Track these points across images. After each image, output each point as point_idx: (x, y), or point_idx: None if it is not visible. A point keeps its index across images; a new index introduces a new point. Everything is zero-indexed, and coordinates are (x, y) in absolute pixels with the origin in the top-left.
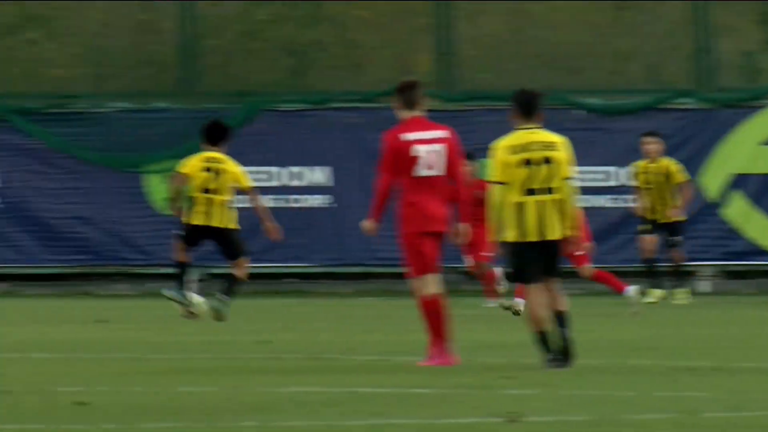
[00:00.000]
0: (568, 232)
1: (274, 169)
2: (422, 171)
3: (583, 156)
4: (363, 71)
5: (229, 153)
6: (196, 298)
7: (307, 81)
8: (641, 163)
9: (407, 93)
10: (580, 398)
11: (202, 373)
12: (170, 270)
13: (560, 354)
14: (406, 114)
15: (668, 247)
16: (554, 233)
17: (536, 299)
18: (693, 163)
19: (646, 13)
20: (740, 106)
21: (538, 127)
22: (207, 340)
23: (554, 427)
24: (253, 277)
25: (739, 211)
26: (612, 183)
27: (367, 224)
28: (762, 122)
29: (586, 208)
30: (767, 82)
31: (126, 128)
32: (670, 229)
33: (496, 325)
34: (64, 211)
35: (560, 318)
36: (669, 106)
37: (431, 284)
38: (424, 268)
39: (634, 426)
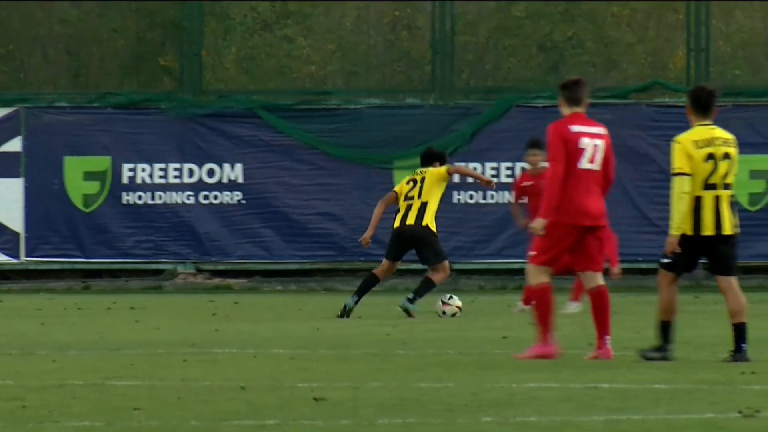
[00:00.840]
0: (737, 229)
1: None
2: (585, 164)
3: None
4: (617, 67)
5: (482, 148)
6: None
7: (561, 78)
8: None
9: (572, 89)
10: None
11: (442, 369)
12: (415, 266)
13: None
14: (568, 110)
15: None
16: (728, 228)
17: (673, 290)
18: None
19: None
20: None
21: (713, 124)
22: (447, 336)
23: None
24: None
25: None
26: None
27: (538, 224)
28: None
29: None
30: None
31: (378, 125)
32: None
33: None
34: (310, 207)
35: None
36: None
37: (544, 274)
38: (549, 261)
39: None
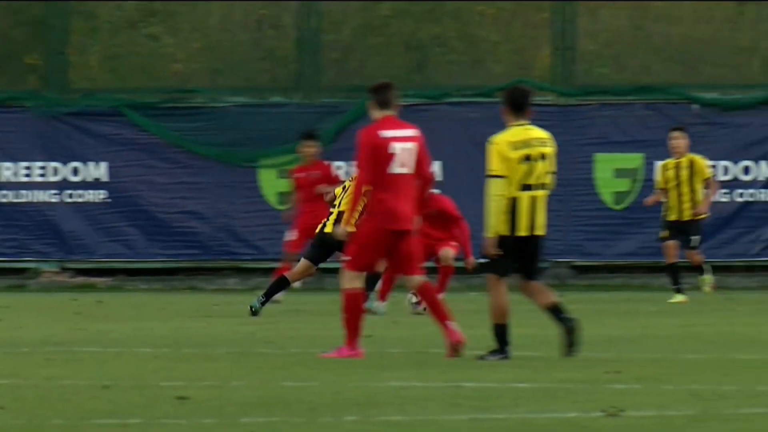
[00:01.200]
0: (544, 230)
1: None
2: (396, 169)
3: (699, 151)
4: (482, 66)
5: (343, 148)
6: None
7: (427, 76)
8: (667, 161)
9: (381, 93)
10: (683, 393)
11: (305, 368)
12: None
13: (568, 343)
14: (378, 113)
15: (688, 248)
16: (541, 229)
17: (503, 292)
18: None
19: (767, 7)
20: None
21: (529, 124)
22: (311, 334)
23: (654, 422)
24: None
25: None
26: (727, 177)
27: (340, 230)
28: None
29: None
30: None
31: (243, 123)
32: (689, 228)
33: (604, 319)
34: (174, 206)
35: (557, 308)
36: None
37: (358, 279)
38: (363, 266)
39: (737, 420)
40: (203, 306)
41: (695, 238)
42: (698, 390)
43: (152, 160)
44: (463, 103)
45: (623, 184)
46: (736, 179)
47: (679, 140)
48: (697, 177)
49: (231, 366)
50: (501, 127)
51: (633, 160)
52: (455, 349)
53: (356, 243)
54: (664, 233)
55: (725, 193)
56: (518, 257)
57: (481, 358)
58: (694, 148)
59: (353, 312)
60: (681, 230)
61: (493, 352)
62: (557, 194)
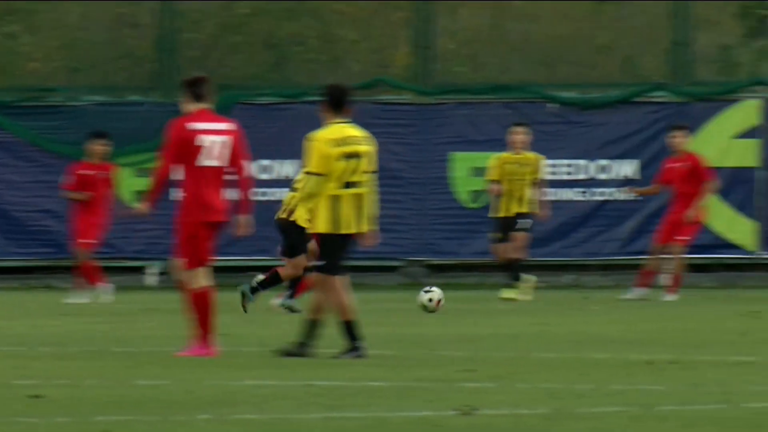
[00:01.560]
0: (369, 226)
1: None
2: (205, 161)
3: (557, 149)
4: (341, 65)
5: None
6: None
7: (285, 75)
8: (504, 155)
9: (195, 86)
10: (537, 391)
11: (160, 366)
12: (134, 264)
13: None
14: (192, 106)
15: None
16: (363, 226)
17: (342, 290)
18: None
19: (626, 7)
20: (714, 100)
21: (348, 122)
22: (165, 334)
23: (508, 420)
24: (216, 270)
25: (707, 205)
26: (582, 176)
27: (141, 208)
28: (735, 116)
29: (556, 201)
30: (743, 76)
31: (101, 121)
32: (514, 222)
33: (458, 318)
34: (31, 204)
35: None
36: (643, 100)
37: (202, 277)
38: (198, 261)
39: (589, 419)
40: (59, 304)
41: (523, 221)
42: (553, 389)
43: (8, 159)
44: (320, 102)
45: (479, 183)
46: (593, 178)
47: (520, 135)
48: (532, 176)
49: (85, 364)
50: (363, 125)
51: (490, 159)
52: (185, 353)
53: (181, 241)
54: (497, 235)
55: (582, 192)
56: (346, 254)
57: (338, 357)
58: (551, 146)
59: (203, 311)
60: (508, 226)
61: (348, 351)
62: (413, 193)
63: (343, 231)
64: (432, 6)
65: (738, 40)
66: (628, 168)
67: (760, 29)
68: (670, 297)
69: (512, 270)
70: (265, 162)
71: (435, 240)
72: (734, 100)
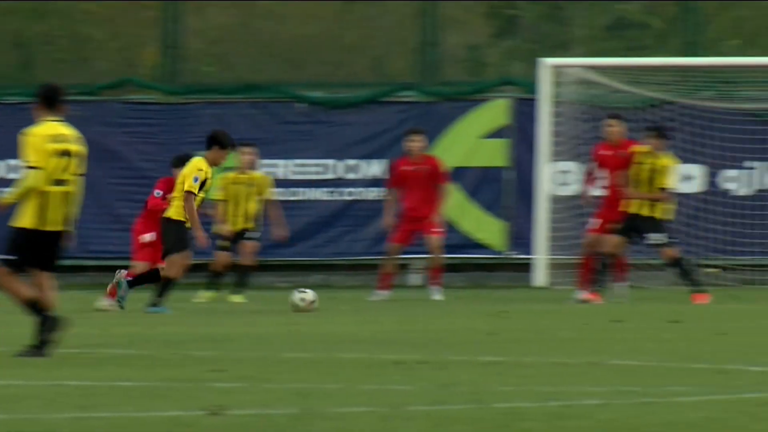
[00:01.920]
0: (70, 226)
1: None
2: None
3: (304, 149)
4: (90, 64)
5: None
6: None
7: (33, 74)
8: (230, 174)
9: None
10: (287, 391)
11: None
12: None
13: (38, 346)
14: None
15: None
16: (68, 224)
17: (19, 283)
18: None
19: (374, 6)
20: (462, 100)
21: (61, 120)
22: None
23: (257, 420)
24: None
25: (454, 205)
26: (330, 176)
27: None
28: (482, 116)
29: (304, 201)
30: (491, 76)
31: None
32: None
33: (208, 318)
34: None
35: (38, 306)
36: (392, 99)
37: None
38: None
39: (338, 419)
40: None
41: (252, 233)
42: (301, 388)
43: None
44: (68, 102)
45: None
46: (341, 178)
47: (249, 155)
48: (259, 195)
49: None
50: (111, 125)
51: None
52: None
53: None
54: (224, 243)
55: (330, 192)
56: (42, 251)
57: (19, 354)
58: (300, 146)
59: None
60: (236, 239)
61: (31, 349)
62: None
63: (49, 228)
64: (180, 5)
65: (486, 40)
66: (376, 168)
67: (507, 29)
68: (437, 295)
69: (239, 276)
70: (13, 162)
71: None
72: (483, 100)
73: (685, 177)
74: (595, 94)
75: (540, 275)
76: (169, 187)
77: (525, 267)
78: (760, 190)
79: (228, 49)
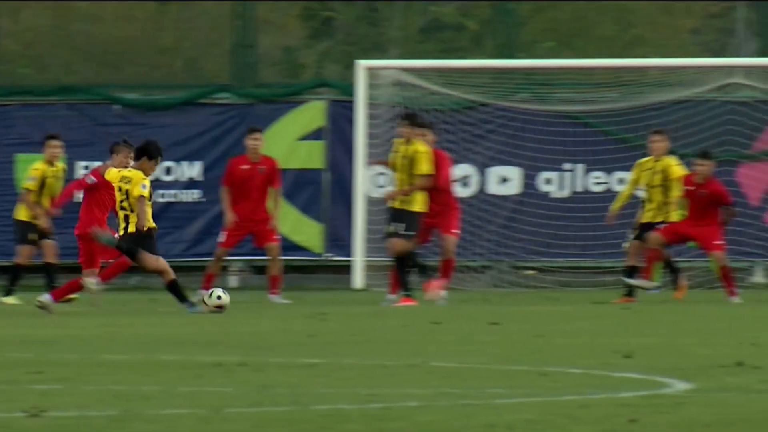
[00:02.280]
0: None
1: None
2: None
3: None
4: None
5: None
6: None
7: None
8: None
9: None
10: (105, 393)
11: None
12: None
13: None
14: None
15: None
16: None
17: None
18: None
19: (189, 8)
20: (279, 102)
21: None
22: None
23: (77, 422)
24: None
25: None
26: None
27: None
28: (299, 118)
29: None
30: (307, 78)
31: None
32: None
33: (24, 319)
34: None
35: None
36: (208, 102)
37: None
38: None
39: (158, 421)
40: None
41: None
42: (121, 390)
43: None
44: None
45: None
46: (157, 180)
47: (56, 149)
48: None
49: None
50: None
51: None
52: None
53: None
54: (33, 236)
55: None
56: None
57: None
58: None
59: None
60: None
61: None
62: None
63: None
64: None
65: (302, 42)
66: (193, 170)
67: (323, 31)
68: (277, 299)
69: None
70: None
71: (3, 242)
72: (299, 102)
73: (502, 179)
74: (410, 97)
75: (358, 277)
76: None
77: (344, 269)
78: (577, 192)
79: (43, 51)
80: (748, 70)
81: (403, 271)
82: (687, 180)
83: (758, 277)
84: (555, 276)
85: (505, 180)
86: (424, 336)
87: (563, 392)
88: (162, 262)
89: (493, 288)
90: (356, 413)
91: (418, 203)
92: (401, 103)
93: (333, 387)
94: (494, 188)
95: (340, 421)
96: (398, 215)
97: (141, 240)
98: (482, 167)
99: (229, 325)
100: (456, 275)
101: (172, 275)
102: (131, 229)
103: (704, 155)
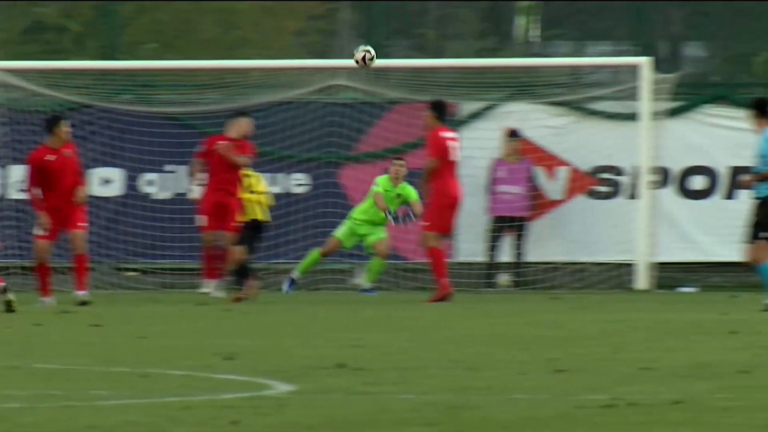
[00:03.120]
0: None
1: None
2: None
3: None
4: None
5: None
6: None
7: None
8: None
9: None
10: None
11: None
12: None
13: None
14: None
15: None
16: None
17: None
18: None
19: None
20: None
21: None
22: None
23: None
24: None
25: None
26: None
27: None
28: None
29: None
30: None
31: None
32: None
33: None
34: None
35: None
36: None
37: None
38: None
39: None
40: None
41: None
42: None
43: None
44: None
45: None
46: None
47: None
48: None
49: None
50: None
51: None
52: None
53: None
54: None
55: None
56: None
57: None
58: None
59: None
60: None
61: None
62: None
63: None
64: None
65: None
66: None
67: None
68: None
69: None
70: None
71: None
72: None
73: (103, 180)
74: (14, 98)
75: None
76: None
77: None
78: (179, 194)
79: None
80: (350, 71)
81: None
82: None
83: (358, 279)
84: (158, 277)
85: (108, 181)
86: (27, 338)
87: (166, 394)
88: None
89: (95, 290)
90: None
91: None
92: (4, 104)
93: None
94: (96, 190)
95: None
96: None
97: None
98: (84, 169)
99: None
100: (60, 277)
101: None
102: None
103: None
